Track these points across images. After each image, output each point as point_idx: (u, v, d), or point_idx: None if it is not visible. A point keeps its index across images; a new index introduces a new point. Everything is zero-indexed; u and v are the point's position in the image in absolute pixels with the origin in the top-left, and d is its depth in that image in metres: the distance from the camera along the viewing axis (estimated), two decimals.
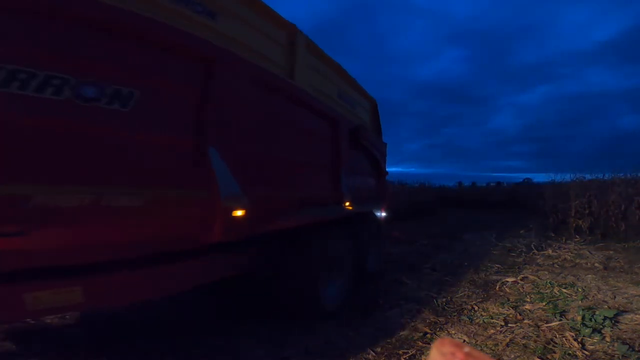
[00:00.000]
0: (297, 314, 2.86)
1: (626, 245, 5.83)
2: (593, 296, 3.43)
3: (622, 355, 2.26)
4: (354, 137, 3.78)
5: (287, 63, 2.76)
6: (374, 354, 2.35)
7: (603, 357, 2.27)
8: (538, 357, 2.26)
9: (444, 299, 3.40)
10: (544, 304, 3.20)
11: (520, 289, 3.71)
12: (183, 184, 1.82)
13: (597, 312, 2.86)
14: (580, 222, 7.17)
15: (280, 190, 2.58)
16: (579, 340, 2.47)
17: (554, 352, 2.32)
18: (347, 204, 3.43)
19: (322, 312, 2.84)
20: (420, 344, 2.47)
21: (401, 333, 2.65)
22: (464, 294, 3.56)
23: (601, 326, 2.66)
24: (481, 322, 2.84)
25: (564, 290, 3.55)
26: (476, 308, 3.16)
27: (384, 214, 5.20)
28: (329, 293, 2.96)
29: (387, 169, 5.29)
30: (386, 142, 5.24)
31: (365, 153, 4.31)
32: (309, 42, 3.06)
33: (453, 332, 2.70)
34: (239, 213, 2.02)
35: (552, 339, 2.50)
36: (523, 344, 2.44)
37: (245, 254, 2.49)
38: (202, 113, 1.89)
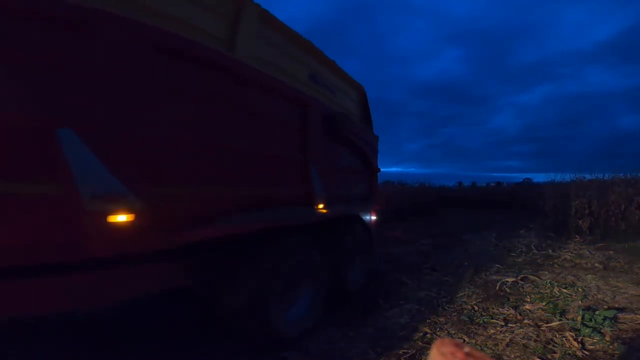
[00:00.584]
0: (244, 340, 2.39)
1: (626, 245, 5.83)
2: (593, 296, 3.43)
3: (622, 355, 2.26)
4: (332, 127, 3.24)
5: (228, 35, 2.31)
6: (374, 354, 2.35)
7: (603, 357, 2.27)
8: (538, 357, 2.26)
9: (444, 299, 3.40)
10: (544, 304, 3.21)
11: (520, 289, 3.71)
12: (8, 176, 1.37)
13: (597, 312, 2.86)
14: (580, 222, 7.16)
15: (205, 188, 2.02)
16: (579, 340, 2.47)
17: (554, 352, 2.32)
18: (321, 206, 2.89)
19: (276, 339, 2.32)
20: (420, 344, 2.47)
21: (401, 333, 2.65)
22: (464, 294, 3.56)
23: (601, 326, 2.66)
24: (481, 322, 2.85)
25: (564, 290, 3.55)
26: (476, 308, 3.16)
27: (374, 217, 4.49)
28: (288, 316, 2.48)
29: (379, 166, 4.74)
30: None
31: (349, 146, 3.74)
32: (264, 13, 2.62)
33: (453, 332, 2.71)
34: (122, 218, 1.54)
35: (552, 339, 2.50)
36: (523, 344, 2.44)
37: (170, 266, 1.96)
38: (44, 85, 1.43)
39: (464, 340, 2.54)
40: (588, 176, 8.30)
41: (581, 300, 3.31)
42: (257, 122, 2.43)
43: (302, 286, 2.68)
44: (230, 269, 2.23)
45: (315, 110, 3.00)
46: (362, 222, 4.09)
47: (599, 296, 3.43)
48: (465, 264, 4.91)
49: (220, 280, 2.22)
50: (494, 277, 4.12)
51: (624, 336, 2.52)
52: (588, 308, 3.02)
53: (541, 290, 3.61)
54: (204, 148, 2.02)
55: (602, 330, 2.60)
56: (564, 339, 2.49)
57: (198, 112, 1.99)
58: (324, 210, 2.93)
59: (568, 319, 2.83)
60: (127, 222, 1.56)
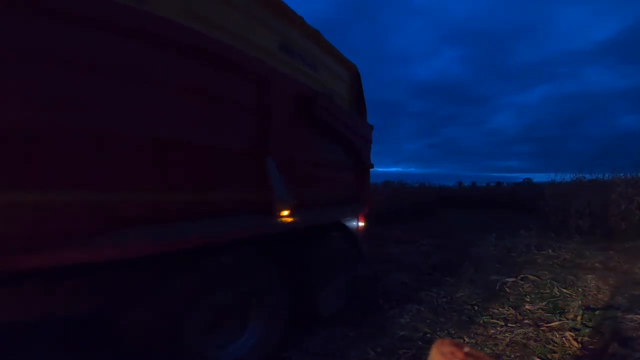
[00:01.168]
0: None
1: (626, 245, 5.83)
2: (593, 296, 3.43)
3: (622, 355, 2.26)
4: (309, 110, 2.56)
5: None
6: (374, 354, 2.35)
7: (603, 357, 2.27)
8: (538, 357, 2.27)
9: (444, 299, 3.40)
10: (544, 304, 3.21)
11: (520, 289, 3.72)
12: None
13: (597, 312, 2.86)
14: (580, 222, 7.17)
15: (68, 194, 1.40)
16: (579, 340, 2.47)
17: (554, 352, 2.32)
18: (285, 213, 2.21)
19: None
20: (420, 344, 2.47)
21: (401, 333, 2.65)
22: (464, 294, 3.56)
23: (601, 326, 2.66)
24: (481, 322, 2.85)
25: (564, 290, 3.55)
26: (476, 308, 3.16)
27: (361, 223, 3.74)
28: (226, 354, 2.00)
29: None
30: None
31: (333, 136, 3.02)
32: None
33: (453, 332, 2.71)
34: None
35: (552, 339, 2.50)
36: (523, 344, 2.45)
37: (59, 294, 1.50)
38: None
39: (464, 340, 2.54)
40: (588, 176, 8.34)
41: (581, 300, 3.31)
42: (178, 99, 1.75)
43: (250, 317, 2.14)
44: (128, 298, 1.68)
45: (281, 87, 2.31)
46: (346, 230, 3.38)
47: (599, 296, 3.43)
48: (465, 264, 4.91)
49: (119, 312, 1.67)
50: (494, 277, 4.12)
51: (624, 336, 2.52)
52: (588, 308, 3.02)
53: (541, 290, 3.61)
54: (76, 135, 1.41)
55: (602, 330, 2.60)
56: (564, 339, 2.49)
57: (64, 83, 1.38)
58: (288, 219, 2.22)
59: (568, 319, 2.83)
60: None
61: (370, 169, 4.00)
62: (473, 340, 2.54)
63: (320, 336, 2.59)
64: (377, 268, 4.66)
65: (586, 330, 2.58)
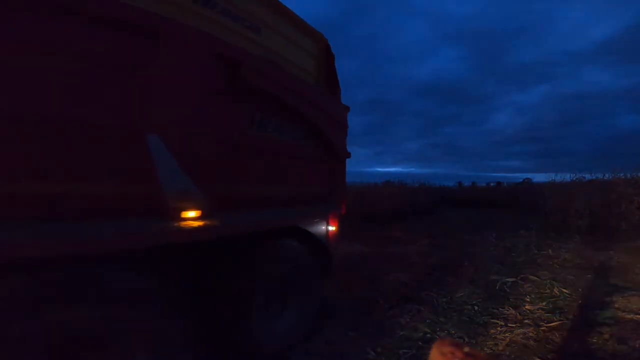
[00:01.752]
0: None
1: (626, 245, 5.83)
2: (593, 296, 3.43)
3: (622, 355, 2.26)
4: (237, 76, 1.94)
5: None
6: (374, 354, 2.35)
7: (603, 356, 2.27)
8: (538, 357, 2.27)
9: (444, 299, 3.40)
10: (544, 304, 3.21)
11: (520, 289, 3.71)
12: None
13: (596, 312, 2.86)
14: (580, 222, 7.17)
15: None
16: (579, 340, 2.47)
17: (554, 352, 2.32)
18: (192, 214, 1.68)
19: None
20: (420, 344, 2.47)
21: (401, 333, 2.66)
22: (464, 294, 3.56)
23: (601, 326, 2.66)
24: (481, 322, 2.85)
25: (564, 290, 3.55)
26: (476, 308, 3.16)
27: (333, 227, 2.92)
28: None
29: (348, 149, 3.27)
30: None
31: (283, 113, 2.36)
32: None
33: (453, 332, 2.71)
34: None
35: (552, 339, 2.50)
36: (523, 344, 2.45)
37: None
38: None
39: (464, 340, 2.54)
40: (588, 176, 8.34)
41: (581, 300, 3.31)
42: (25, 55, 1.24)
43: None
44: None
45: (179, 41, 1.72)
46: (309, 237, 2.69)
47: (599, 296, 3.43)
48: (465, 264, 4.90)
49: None
50: (494, 277, 4.12)
51: (624, 335, 2.52)
52: (588, 308, 3.02)
53: (541, 290, 3.61)
54: None
55: (602, 330, 2.60)
56: (564, 339, 2.50)
57: None
58: (195, 224, 1.64)
59: (568, 319, 2.83)
60: None
61: (347, 159, 3.29)
62: (473, 340, 2.54)
63: (321, 336, 2.59)
64: (377, 268, 4.66)
65: (586, 330, 2.58)
